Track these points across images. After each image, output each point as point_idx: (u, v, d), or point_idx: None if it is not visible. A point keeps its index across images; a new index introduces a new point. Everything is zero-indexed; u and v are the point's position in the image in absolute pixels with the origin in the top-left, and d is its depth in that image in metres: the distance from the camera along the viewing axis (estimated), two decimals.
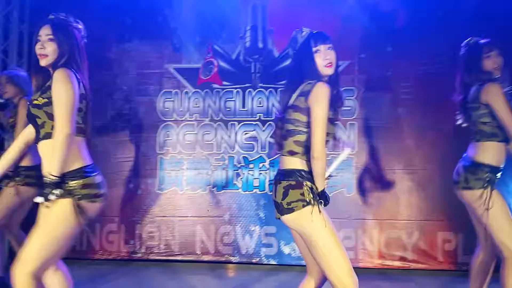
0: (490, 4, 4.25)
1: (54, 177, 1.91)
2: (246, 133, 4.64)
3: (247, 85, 4.68)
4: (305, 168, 2.02)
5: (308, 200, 1.97)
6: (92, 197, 2.03)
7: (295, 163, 2.03)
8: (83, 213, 1.99)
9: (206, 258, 4.58)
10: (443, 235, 4.32)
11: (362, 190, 4.46)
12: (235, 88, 4.70)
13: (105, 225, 4.69)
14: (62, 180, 1.95)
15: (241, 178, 4.61)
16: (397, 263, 4.35)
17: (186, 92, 4.76)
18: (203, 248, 4.60)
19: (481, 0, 4.30)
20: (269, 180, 4.54)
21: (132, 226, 4.68)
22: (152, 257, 4.64)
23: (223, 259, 4.57)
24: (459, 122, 2.77)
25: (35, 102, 2.02)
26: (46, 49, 2.02)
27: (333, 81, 2.08)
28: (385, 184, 4.43)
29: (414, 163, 4.39)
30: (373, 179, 4.46)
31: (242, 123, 4.66)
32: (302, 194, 1.97)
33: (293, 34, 2.16)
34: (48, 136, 1.99)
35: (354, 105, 4.51)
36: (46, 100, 1.99)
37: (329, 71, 2.05)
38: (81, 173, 2.01)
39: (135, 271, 4.32)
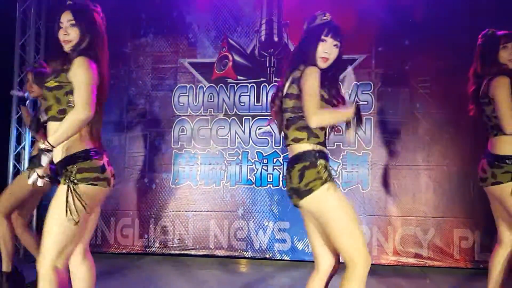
0: None
1: (48, 145, 1.90)
2: (260, 128, 4.62)
3: (262, 79, 4.66)
4: (316, 148, 2.01)
5: (325, 178, 1.96)
6: (91, 180, 1.99)
7: (304, 147, 2.02)
8: (82, 198, 1.96)
9: (219, 253, 4.59)
10: (460, 232, 4.25)
11: (377, 186, 4.41)
12: (250, 82, 4.68)
13: (119, 220, 4.73)
14: (61, 165, 1.98)
15: (255, 173, 4.60)
16: (413, 260, 4.30)
17: (201, 87, 4.76)
18: (216, 242, 4.61)
19: None
20: (283, 176, 4.52)
21: (146, 220, 4.71)
22: (165, 251, 4.66)
23: (236, 254, 4.57)
24: (471, 113, 2.73)
25: (46, 84, 2.03)
26: (70, 34, 2.04)
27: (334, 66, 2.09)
28: (401, 180, 4.37)
29: (431, 159, 4.33)
30: (389, 175, 4.41)
31: (257, 118, 4.64)
32: (318, 173, 1.97)
33: (315, 14, 2.15)
34: (54, 118, 2.02)
35: (371, 99, 4.45)
36: (57, 84, 2.00)
37: (322, 65, 2.05)
38: (77, 157, 1.99)
39: (149, 265, 4.34)
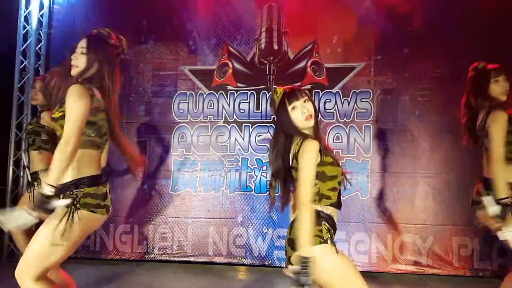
0: (509, 5, 4.18)
1: (52, 187, 1.90)
2: (260, 135, 4.63)
3: (261, 87, 4.68)
4: (326, 211, 2.01)
5: (325, 238, 1.94)
6: (93, 207, 2.04)
7: (315, 207, 1.99)
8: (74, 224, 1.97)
9: (218, 259, 4.58)
10: (459, 240, 4.25)
11: (376, 194, 4.41)
12: (250, 90, 4.70)
13: (118, 226, 4.73)
14: (64, 189, 1.98)
15: (254, 180, 4.60)
16: (411, 268, 4.29)
17: (201, 94, 4.78)
18: (215, 249, 4.60)
19: (499, 1, 4.24)
20: None
21: (145, 227, 4.70)
22: (164, 258, 4.65)
23: (235, 261, 4.56)
24: (464, 143, 2.82)
25: (53, 115, 2.09)
26: (78, 60, 2.10)
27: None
28: (400, 188, 4.38)
29: (430, 167, 4.34)
30: (388, 182, 4.42)
31: (256, 125, 4.65)
32: (321, 231, 1.94)
33: (270, 96, 2.23)
34: (41, 148, 2.10)
35: (370, 107, 4.47)
36: (61, 114, 2.03)
37: (310, 123, 2.07)
38: (84, 182, 2.03)
39: (148, 272, 4.34)
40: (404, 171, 4.40)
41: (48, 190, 1.89)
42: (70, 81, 2.08)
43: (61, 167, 1.92)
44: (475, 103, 2.70)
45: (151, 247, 4.68)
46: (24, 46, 4.90)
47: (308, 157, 1.98)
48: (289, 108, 2.07)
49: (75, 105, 1.98)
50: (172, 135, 4.77)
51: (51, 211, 1.93)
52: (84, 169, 2.04)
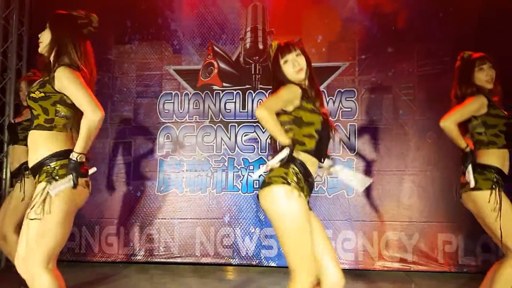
0: (492, 5, 4.25)
1: (80, 155, 2.02)
2: (246, 135, 4.63)
3: (247, 86, 4.68)
4: (298, 156, 2.06)
5: (289, 181, 1.99)
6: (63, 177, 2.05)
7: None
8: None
9: (205, 260, 4.57)
10: (444, 236, 4.30)
11: (362, 192, 4.44)
12: (235, 89, 4.70)
13: (104, 228, 4.67)
14: (42, 164, 2.04)
15: (241, 180, 4.59)
16: (398, 265, 4.33)
17: (186, 94, 4.75)
18: (202, 250, 4.58)
19: (482, 0, 4.31)
20: None
21: (131, 228, 4.66)
22: (151, 259, 4.61)
23: (222, 261, 4.55)
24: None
25: (32, 95, 2.10)
26: (43, 36, 2.18)
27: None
28: (385, 186, 4.42)
29: (415, 164, 4.39)
30: (374, 180, 4.45)
31: (242, 124, 4.65)
32: (286, 174, 2.01)
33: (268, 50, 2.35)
34: (40, 127, 2.09)
35: (355, 106, 4.50)
36: (42, 94, 2.08)
37: (301, 76, 2.18)
38: (59, 155, 2.06)
39: (135, 274, 4.30)
40: (389, 169, 4.44)
41: (82, 158, 2.02)
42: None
43: (90, 138, 2.05)
44: (460, 92, 2.75)
45: (138, 249, 4.64)
46: (5, 46, 4.80)
47: (282, 91, 2.10)
48: (281, 61, 2.19)
49: (75, 80, 2.05)
50: (158, 135, 4.73)
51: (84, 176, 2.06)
52: (59, 145, 2.08)
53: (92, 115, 2.02)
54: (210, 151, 4.67)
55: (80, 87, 2.04)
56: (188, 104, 4.74)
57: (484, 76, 2.70)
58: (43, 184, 2.00)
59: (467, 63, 2.76)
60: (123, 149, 4.74)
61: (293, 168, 2.02)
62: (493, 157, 2.64)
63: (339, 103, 4.53)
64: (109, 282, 3.99)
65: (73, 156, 2.01)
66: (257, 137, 4.60)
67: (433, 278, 4.15)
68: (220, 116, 4.69)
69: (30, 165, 2.09)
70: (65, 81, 2.04)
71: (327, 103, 4.56)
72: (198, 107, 4.73)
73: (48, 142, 2.07)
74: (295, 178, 2.00)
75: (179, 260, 4.59)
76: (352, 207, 4.44)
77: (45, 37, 2.18)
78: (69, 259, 4.59)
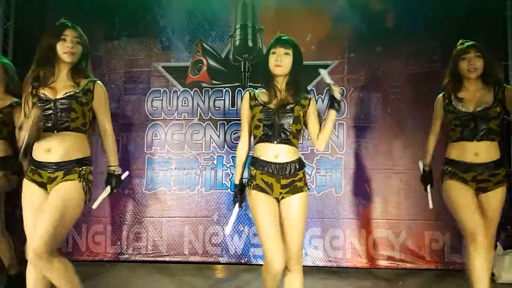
0: (480, 5, 4.30)
1: (117, 167, 2.53)
2: (235, 133, 4.61)
3: (236, 84, 4.66)
4: (252, 155, 2.48)
5: (249, 183, 2.44)
6: (90, 183, 2.43)
7: None
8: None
9: (194, 259, 4.55)
10: (431, 234, 4.35)
11: (350, 190, 4.47)
12: (225, 87, 4.68)
13: (91, 226, 4.62)
14: (75, 165, 2.34)
15: (230, 178, 4.58)
16: (385, 263, 4.37)
17: (175, 91, 4.72)
18: (191, 248, 4.56)
19: (470, 0, 4.35)
20: None
21: (119, 227, 4.62)
22: (139, 258, 4.58)
23: (211, 259, 4.54)
24: None
25: (80, 99, 2.37)
26: (74, 49, 2.38)
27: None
28: (373, 184, 4.45)
29: (402, 163, 4.42)
30: (362, 179, 4.48)
31: (231, 122, 4.63)
32: (251, 175, 2.45)
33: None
34: (78, 130, 2.37)
35: (343, 105, 4.52)
36: (87, 101, 2.41)
37: (277, 71, 2.40)
38: (89, 161, 2.43)
39: (122, 273, 4.26)
40: (377, 167, 4.47)
41: (119, 170, 2.52)
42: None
43: (116, 151, 2.57)
44: (444, 84, 2.82)
45: (125, 247, 4.60)
46: None
47: (241, 113, 2.53)
48: (270, 51, 2.40)
49: (107, 98, 2.53)
50: (146, 133, 4.69)
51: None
52: (87, 148, 2.45)
53: (111, 131, 2.53)
54: (199, 149, 4.65)
55: (107, 105, 2.52)
56: (177, 101, 4.71)
57: (466, 66, 2.69)
58: (76, 182, 2.32)
59: (454, 53, 2.78)
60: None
61: (251, 170, 2.45)
62: (451, 150, 2.81)
63: (328, 101, 4.53)
64: (96, 281, 3.95)
65: (112, 170, 2.54)
66: None
67: (420, 275, 4.19)
68: (209, 113, 4.67)
69: (55, 159, 2.30)
70: (103, 97, 2.47)
71: (316, 101, 4.57)
72: (187, 105, 4.70)
73: (81, 143, 2.39)
74: (252, 180, 2.42)
75: (167, 258, 4.56)
76: (340, 205, 4.46)
77: (77, 51, 2.40)
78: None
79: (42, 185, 2.35)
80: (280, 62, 2.36)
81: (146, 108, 4.72)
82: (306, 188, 2.43)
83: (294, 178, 2.39)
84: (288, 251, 2.35)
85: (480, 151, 2.67)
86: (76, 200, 2.31)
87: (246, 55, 4.67)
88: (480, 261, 2.53)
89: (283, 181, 2.37)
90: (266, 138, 2.38)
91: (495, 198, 2.70)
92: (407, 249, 4.35)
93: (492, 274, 4.02)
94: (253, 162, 2.42)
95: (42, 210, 2.23)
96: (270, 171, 2.36)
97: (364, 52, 4.53)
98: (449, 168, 2.77)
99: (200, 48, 4.72)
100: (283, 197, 2.41)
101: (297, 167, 2.41)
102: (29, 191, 2.34)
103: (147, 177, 4.66)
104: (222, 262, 4.52)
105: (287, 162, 2.38)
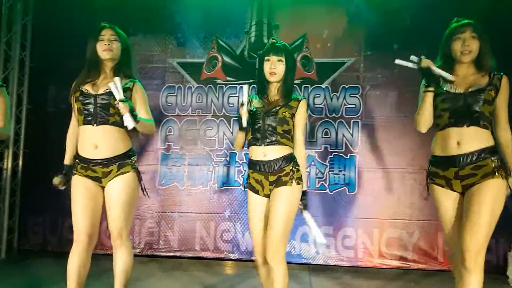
0: (497, 2, 4.23)
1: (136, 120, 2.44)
2: None
3: (251, 80, 4.65)
4: (250, 156, 2.55)
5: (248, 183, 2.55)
6: (139, 173, 2.65)
7: None
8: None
9: (205, 254, 4.56)
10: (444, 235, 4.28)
11: (363, 189, 4.44)
12: (239, 83, 4.68)
13: (103, 221, 4.64)
14: (126, 158, 2.50)
15: (242, 175, 4.58)
16: (397, 263, 4.33)
17: (189, 87, 4.74)
18: (202, 244, 4.58)
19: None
20: None
21: (131, 221, 4.64)
22: (151, 253, 4.62)
23: (222, 256, 4.55)
24: None
25: (125, 95, 2.42)
26: (111, 46, 2.49)
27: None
28: (387, 183, 4.41)
29: (417, 162, 4.36)
30: (375, 178, 4.44)
31: None
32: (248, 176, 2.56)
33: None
34: (115, 124, 2.45)
35: (358, 103, 4.48)
36: (125, 98, 2.44)
37: (272, 79, 2.44)
38: (134, 152, 2.59)
39: (134, 267, 4.26)
40: (391, 166, 4.42)
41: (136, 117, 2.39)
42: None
43: (145, 128, 2.53)
44: (436, 64, 2.43)
45: (137, 242, 4.64)
46: (8, 36, 4.78)
47: None
48: (264, 58, 2.45)
49: (144, 98, 2.62)
50: (160, 128, 4.72)
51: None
52: (129, 141, 2.56)
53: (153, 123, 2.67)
54: (212, 145, 4.66)
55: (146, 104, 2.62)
56: (191, 97, 4.72)
57: (459, 47, 2.31)
58: (131, 173, 2.51)
59: (447, 32, 2.42)
60: None
61: (248, 170, 2.56)
62: (434, 143, 2.44)
63: (343, 100, 4.51)
64: (109, 274, 3.97)
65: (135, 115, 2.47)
66: None
67: (433, 276, 4.15)
68: (223, 110, 4.68)
69: (105, 155, 2.43)
70: (141, 95, 2.56)
71: (331, 99, 4.55)
72: (201, 101, 4.71)
73: (123, 137, 2.49)
74: (248, 179, 2.53)
75: (178, 254, 4.59)
76: (353, 204, 4.43)
77: (115, 47, 2.51)
78: (68, 251, 4.57)
79: (96, 179, 2.49)
80: (274, 70, 2.42)
81: (161, 104, 4.75)
82: (292, 183, 2.40)
83: (280, 173, 2.42)
84: (267, 243, 2.37)
85: (464, 140, 2.26)
86: (135, 190, 2.55)
87: (261, 51, 4.64)
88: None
89: (271, 178, 2.44)
90: (255, 141, 2.47)
91: (481, 192, 2.20)
92: (420, 250, 4.31)
93: (506, 277, 3.97)
94: (248, 163, 2.55)
95: (107, 203, 2.51)
96: (259, 168, 2.46)
97: (380, 49, 4.48)
98: (431, 168, 2.45)
99: (215, 45, 4.73)
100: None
101: (284, 162, 2.43)
102: (82, 184, 2.47)
103: (160, 173, 4.69)
104: (233, 258, 4.53)
105: (275, 159, 2.43)
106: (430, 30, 4.43)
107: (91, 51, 2.51)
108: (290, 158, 2.45)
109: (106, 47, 2.47)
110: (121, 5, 4.75)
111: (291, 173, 2.41)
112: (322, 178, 4.47)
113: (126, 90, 2.48)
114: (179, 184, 4.67)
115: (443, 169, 2.34)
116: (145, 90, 2.66)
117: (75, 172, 2.49)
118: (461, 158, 2.27)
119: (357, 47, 4.53)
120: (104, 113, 2.44)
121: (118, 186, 2.48)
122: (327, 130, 4.52)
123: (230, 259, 4.54)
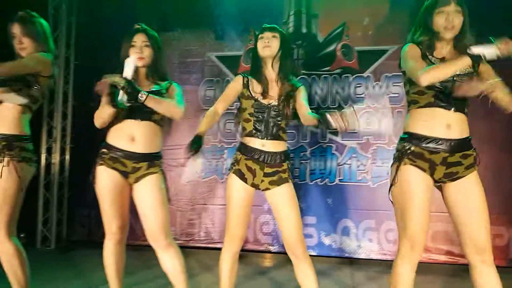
0: None
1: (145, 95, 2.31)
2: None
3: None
4: (240, 140, 2.51)
5: (233, 166, 2.47)
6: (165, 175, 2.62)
7: None
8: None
9: (245, 246, 4.54)
10: (494, 229, 4.02)
11: None
12: None
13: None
14: (156, 158, 2.48)
15: None
16: (444, 258, 4.18)
17: (228, 80, 4.74)
18: None
19: None
20: (310, 170, 4.47)
21: (173, 213, 4.73)
22: (192, 244, 4.68)
23: (262, 248, 4.55)
24: None
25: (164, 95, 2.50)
26: (144, 53, 2.47)
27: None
28: None
29: None
30: None
31: None
32: (235, 159, 2.48)
33: None
34: (156, 122, 2.48)
35: (402, 92, 4.33)
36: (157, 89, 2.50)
37: (266, 52, 2.46)
38: (161, 155, 2.56)
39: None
40: None
41: (143, 93, 2.28)
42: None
43: (161, 108, 2.42)
44: (422, 38, 2.17)
45: (179, 234, 4.71)
46: (55, 35, 4.95)
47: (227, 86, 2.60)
48: (258, 37, 2.51)
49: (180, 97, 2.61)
50: (199, 122, 4.73)
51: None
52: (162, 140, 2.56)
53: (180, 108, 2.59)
54: None
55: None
56: None
57: (442, 21, 2.08)
58: (159, 174, 2.47)
59: (429, 3, 2.15)
60: (165, 136, 4.79)
61: (238, 153, 2.47)
62: (411, 119, 2.18)
63: (386, 89, 4.38)
64: (150, 265, 4.06)
65: (143, 91, 2.38)
66: (297, 124, 4.52)
67: None
68: None
69: (140, 150, 2.41)
70: (175, 88, 2.59)
71: (373, 88, 4.42)
72: None
73: (159, 136, 2.52)
74: (235, 164, 2.45)
75: (219, 245, 4.60)
76: None
77: (147, 54, 2.49)
78: None
79: (124, 173, 2.44)
80: (268, 43, 2.43)
81: (199, 98, 4.78)
82: (289, 181, 2.46)
83: (278, 168, 2.43)
84: (289, 239, 2.41)
85: (454, 124, 2.09)
86: (164, 190, 2.51)
87: (300, 42, 4.59)
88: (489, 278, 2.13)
89: (267, 169, 2.42)
90: (256, 132, 2.43)
91: (478, 187, 2.16)
92: None
93: None
94: (240, 147, 2.47)
95: (141, 206, 2.51)
96: (256, 157, 2.41)
97: None
98: (411, 148, 2.13)
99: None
100: (267, 188, 2.47)
101: (283, 158, 2.45)
102: (109, 177, 2.43)
103: (200, 165, 4.73)
104: (273, 251, 4.52)
105: (274, 152, 2.42)
106: (477, 15, 4.23)
107: (125, 56, 2.46)
108: (288, 155, 2.50)
109: (138, 56, 2.46)
110: (159, 1, 4.82)
111: (288, 171, 2.47)
112: (364, 170, 4.36)
113: (164, 93, 2.50)
114: (219, 177, 4.70)
115: (430, 152, 2.11)
116: (182, 87, 2.68)
117: (102, 162, 2.43)
118: (454, 143, 2.09)
119: (400, 34, 4.34)
120: (149, 110, 2.40)
121: (150, 188, 2.46)
122: (369, 120, 4.41)
123: (269, 252, 4.54)
